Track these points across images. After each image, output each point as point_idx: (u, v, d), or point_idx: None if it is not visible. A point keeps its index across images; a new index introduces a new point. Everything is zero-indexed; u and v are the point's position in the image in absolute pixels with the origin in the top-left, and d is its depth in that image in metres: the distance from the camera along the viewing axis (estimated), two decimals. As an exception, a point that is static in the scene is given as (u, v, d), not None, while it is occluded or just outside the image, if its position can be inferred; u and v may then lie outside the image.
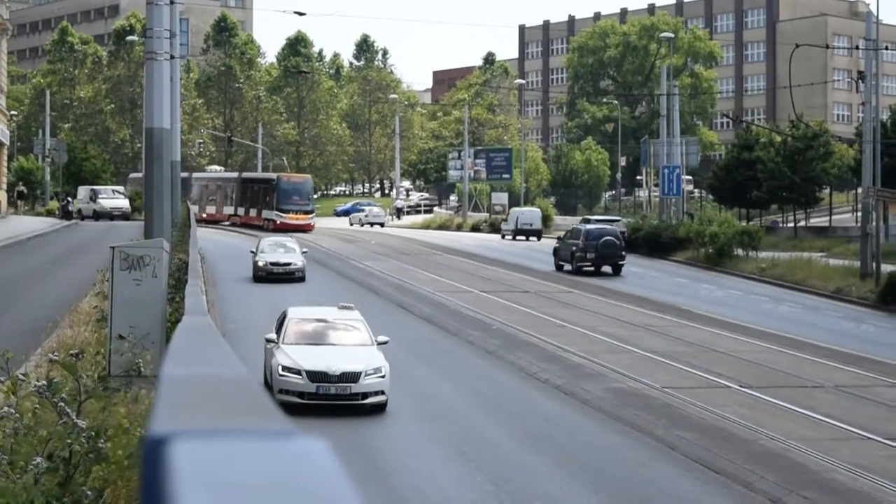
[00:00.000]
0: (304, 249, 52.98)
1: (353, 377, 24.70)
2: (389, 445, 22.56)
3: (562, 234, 68.07)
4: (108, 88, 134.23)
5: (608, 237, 60.45)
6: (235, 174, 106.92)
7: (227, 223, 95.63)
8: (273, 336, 26.54)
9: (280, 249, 51.86)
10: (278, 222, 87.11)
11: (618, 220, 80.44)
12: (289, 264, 50.00)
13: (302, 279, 49.58)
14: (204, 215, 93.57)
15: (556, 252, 62.82)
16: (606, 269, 60.05)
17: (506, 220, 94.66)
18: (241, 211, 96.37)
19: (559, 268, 61.26)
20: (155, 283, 23.54)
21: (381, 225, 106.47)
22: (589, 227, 64.00)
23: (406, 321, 40.50)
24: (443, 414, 25.23)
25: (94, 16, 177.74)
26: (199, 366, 3.26)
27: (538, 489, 19.77)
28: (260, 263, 49.95)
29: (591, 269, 59.63)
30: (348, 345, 26.20)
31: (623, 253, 60.63)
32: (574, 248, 60.37)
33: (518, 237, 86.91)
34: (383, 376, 25.00)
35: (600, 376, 30.33)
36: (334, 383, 24.73)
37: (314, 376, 24.71)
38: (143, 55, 43.41)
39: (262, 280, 49.26)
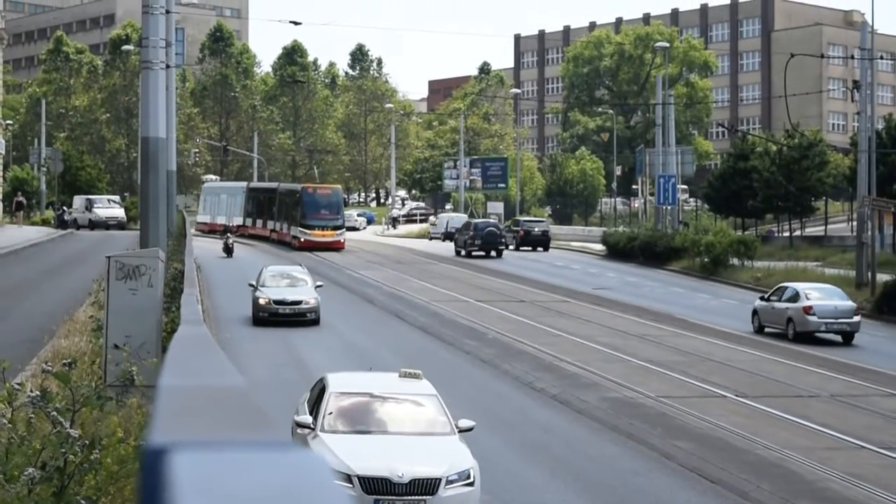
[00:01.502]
0: (319, 283, 43.08)
1: (429, 486, 16.82)
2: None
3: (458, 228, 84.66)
4: (103, 98, 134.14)
5: (490, 229, 78.97)
6: (276, 185, 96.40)
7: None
8: (307, 419, 18.42)
9: (285, 282, 42.07)
10: (302, 240, 77.25)
11: (542, 221, 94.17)
12: (298, 303, 40.27)
13: (315, 322, 40.14)
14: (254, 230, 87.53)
15: (455, 241, 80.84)
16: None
17: (435, 224, 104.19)
18: (267, 224, 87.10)
19: (458, 253, 77.93)
20: (151, 292, 23.54)
21: (356, 229, 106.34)
22: (476, 221, 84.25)
23: (402, 331, 40.53)
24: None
25: (90, 25, 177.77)
26: (197, 376, 3.26)
27: (534, 499, 19.78)
28: (261, 301, 40.26)
29: (481, 253, 76.53)
30: (417, 433, 18.18)
31: (503, 240, 78.47)
32: (466, 237, 78.17)
33: (447, 241, 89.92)
34: (472, 483, 17.11)
35: (596, 386, 30.35)
36: (401, 496, 16.75)
37: (371, 485, 16.72)
38: (138, 64, 43.48)
39: (265, 323, 39.79)
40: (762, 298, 45.08)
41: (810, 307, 41.82)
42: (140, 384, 18.91)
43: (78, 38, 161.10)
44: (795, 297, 42.74)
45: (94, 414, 15.49)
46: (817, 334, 41.79)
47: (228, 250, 67.29)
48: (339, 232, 79.03)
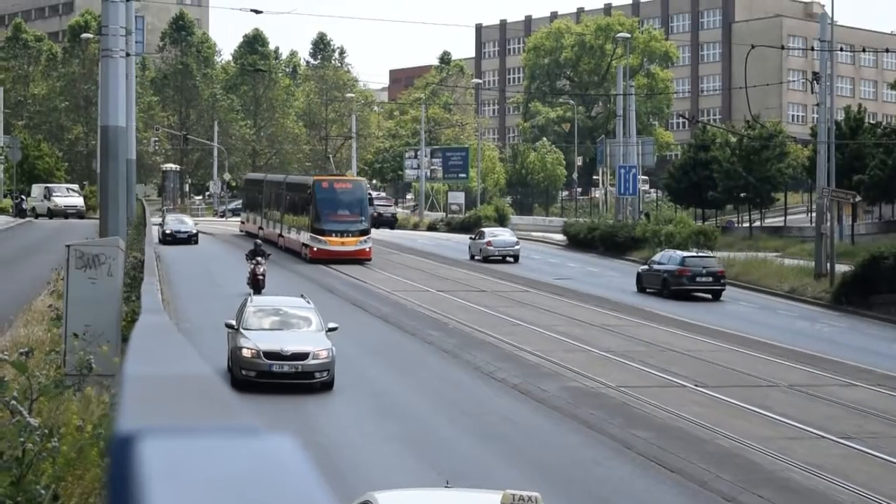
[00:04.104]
0: (333, 325, 29.51)
1: None
2: (345, 443, 22.50)
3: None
4: (62, 86, 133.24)
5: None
6: (282, 177, 77.45)
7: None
8: None
9: (274, 319, 29.83)
10: (315, 249, 60.50)
11: (389, 206, 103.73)
12: (302, 356, 27.71)
13: (328, 385, 27.94)
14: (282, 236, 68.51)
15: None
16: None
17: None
18: (274, 227, 70.88)
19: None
20: (110, 281, 23.40)
21: None
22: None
23: (363, 320, 40.47)
24: (399, 413, 25.22)
25: (49, 12, 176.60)
26: (161, 364, 3.24)
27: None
28: (245, 353, 27.85)
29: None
30: None
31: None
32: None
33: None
34: None
35: (557, 375, 30.40)
36: None
37: None
38: (98, 53, 43.25)
39: (251, 388, 27.26)
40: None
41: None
42: (98, 373, 18.82)
43: (36, 26, 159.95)
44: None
45: (51, 403, 15.41)
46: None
47: (257, 284, 44.04)
48: (363, 239, 61.59)
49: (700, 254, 54.93)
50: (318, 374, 27.71)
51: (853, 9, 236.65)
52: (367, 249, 61.48)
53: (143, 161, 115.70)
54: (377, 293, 47.83)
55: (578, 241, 77.40)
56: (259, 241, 45.94)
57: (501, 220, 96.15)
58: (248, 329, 28.64)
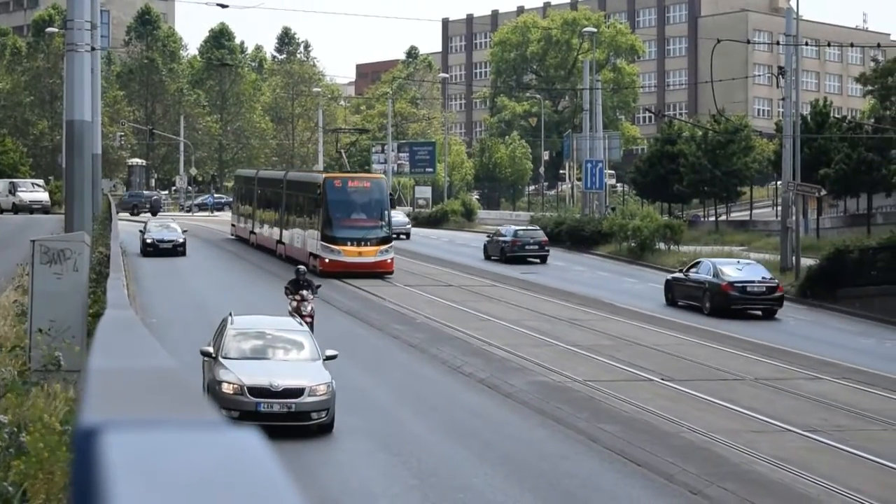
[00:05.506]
0: (331, 352, 24.60)
1: None
2: (313, 439, 22.45)
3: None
4: (27, 80, 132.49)
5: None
6: (281, 174, 70.00)
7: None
8: None
9: (260, 344, 24.66)
10: (328, 260, 51.37)
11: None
12: (298, 391, 22.66)
13: (328, 429, 22.93)
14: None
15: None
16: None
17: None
18: (271, 231, 62.89)
19: None
20: (76, 276, 23.30)
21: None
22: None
23: (330, 315, 40.41)
24: (367, 408, 25.19)
25: (13, 6, 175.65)
26: (126, 358, 3.23)
27: (461, 482, 19.80)
28: (225, 388, 22.78)
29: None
30: None
31: None
32: None
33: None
34: None
35: (524, 370, 30.44)
36: None
37: None
38: (63, 47, 43.04)
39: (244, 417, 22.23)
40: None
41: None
42: (64, 368, 18.75)
43: (1, 20, 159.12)
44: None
45: (17, 399, 15.34)
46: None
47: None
48: (383, 248, 52.61)
49: (528, 227, 69.15)
50: (314, 415, 22.60)
51: (818, 3, 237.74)
52: (389, 261, 52.43)
53: (109, 156, 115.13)
54: (343, 288, 47.76)
55: (545, 236, 77.44)
56: (302, 267, 35.69)
57: (468, 215, 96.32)
58: (228, 358, 23.56)
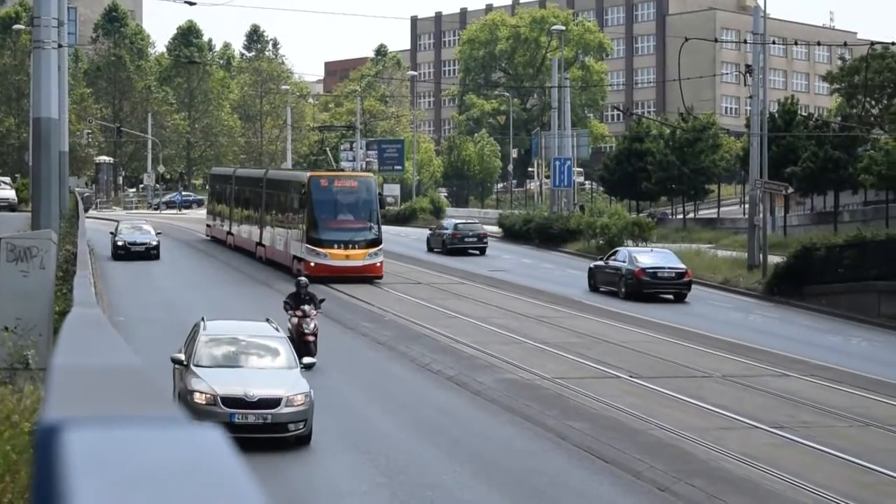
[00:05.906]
0: (309, 360, 24.64)
1: None
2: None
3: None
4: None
5: None
6: (261, 172, 66.67)
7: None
8: None
9: (234, 351, 23.50)
10: (313, 264, 48.40)
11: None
12: (275, 402, 21.66)
13: (305, 441, 22.07)
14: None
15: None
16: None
17: None
18: (250, 233, 60.03)
19: None
20: (42, 274, 23.22)
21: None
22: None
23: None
24: (335, 406, 25.15)
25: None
26: (91, 356, 3.22)
27: (430, 480, 19.81)
28: (198, 399, 21.57)
29: None
30: None
31: None
32: None
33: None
34: None
35: (492, 367, 30.46)
36: None
37: None
38: (29, 44, 42.78)
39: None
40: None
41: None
42: (34, 367, 18.67)
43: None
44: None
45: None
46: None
47: (307, 348, 29.04)
48: (372, 251, 49.82)
49: (468, 221, 74.65)
50: (292, 426, 21.54)
51: (786, 2, 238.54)
52: (378, 265, 49.69)
53: (76, 153, 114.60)
54: (314, 286, 47.59)
55: (514, 233, 77.55)
56: (304, 279, 33.21)
57: (437, 213, 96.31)
58: (200, 366, 22.37)
